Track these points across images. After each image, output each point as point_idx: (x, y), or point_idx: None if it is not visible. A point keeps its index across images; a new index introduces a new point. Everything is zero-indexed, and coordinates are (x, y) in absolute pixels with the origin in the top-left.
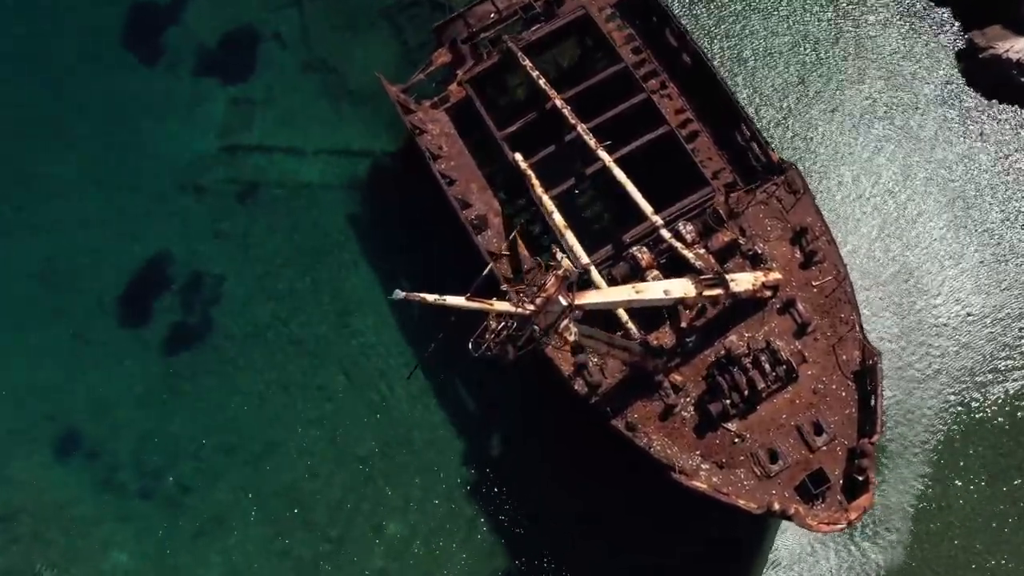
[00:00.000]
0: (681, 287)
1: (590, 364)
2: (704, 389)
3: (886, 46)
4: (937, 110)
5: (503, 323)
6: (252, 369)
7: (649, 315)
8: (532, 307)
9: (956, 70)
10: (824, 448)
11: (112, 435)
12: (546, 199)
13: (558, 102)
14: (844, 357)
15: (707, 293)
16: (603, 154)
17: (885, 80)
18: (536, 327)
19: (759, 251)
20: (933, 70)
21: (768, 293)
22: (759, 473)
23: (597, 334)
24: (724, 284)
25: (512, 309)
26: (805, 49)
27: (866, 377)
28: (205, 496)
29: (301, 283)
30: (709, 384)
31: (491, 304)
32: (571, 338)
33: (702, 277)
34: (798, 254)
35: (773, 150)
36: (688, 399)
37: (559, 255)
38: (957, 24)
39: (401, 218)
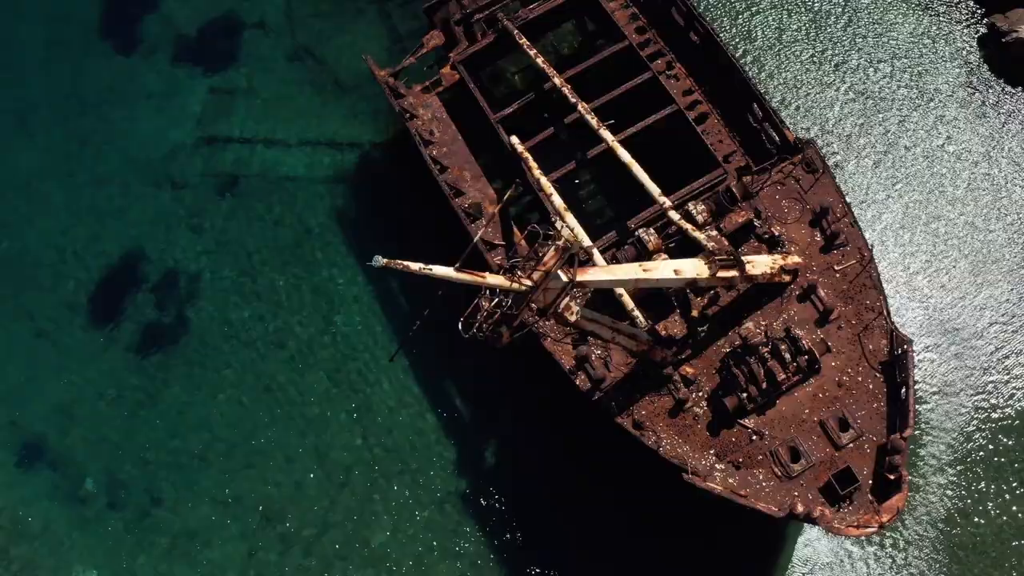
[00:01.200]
0: (693, 267)
1: (592, 357)
2: (718, 383)
3: (904, 29)
4: (958, 95)
5: (496, 301)
6: (229, 372)
7: (657, 303)
8: (529, 282)
9: (977, 54)
10: (851, 445)
11: (79, 442)
12: (544, 180)
13: (557, 81)
14: (871, 347)
15: (721, 274)
16: (606, 133)
17: (903, 65)
18: (533, 305)
19: (776, 233)
20: (953, 55)
21: (787, 278)
22: (780, 473)
23: (600, 318)
24: (740, 265)
25: (506, 283)
26: (819, 32)
27: (895, 367)
28: (178, 508)
29: (282, 280)
30: (723, 377)
31: (483, 277)
32: (572, 318)
33: (716, 257)
34: (818, 237)
35: (789, 129)
36: (700, 394)
37: (559, 225)
38: (978, 8)
39: (390, 212)
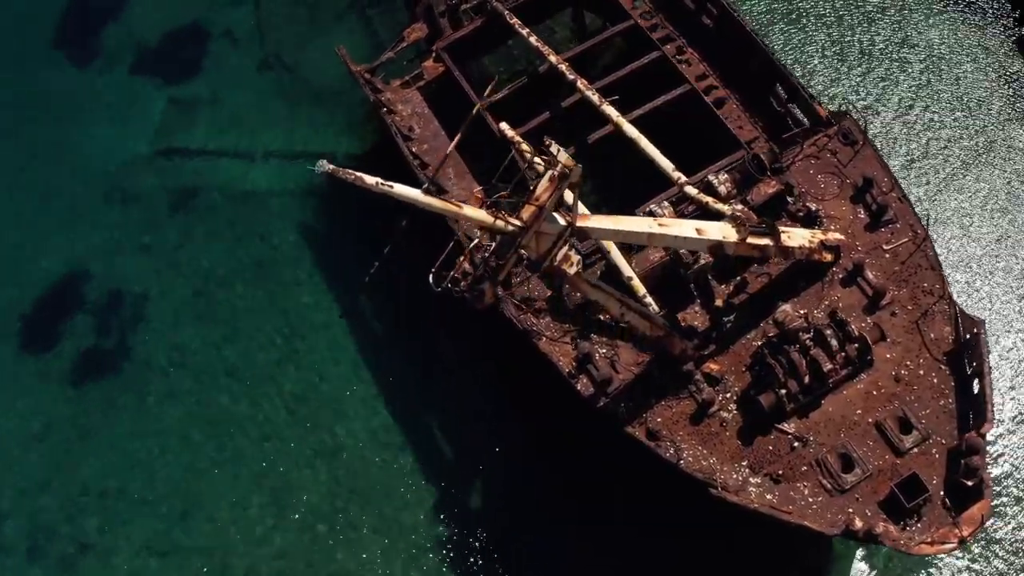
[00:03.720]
0: (719, 229)
1: (596, 356)
2: (749, 382)
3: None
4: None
5: (474, 243)
6: (175, 403)
7: (673, 293)
8: (518, 222)
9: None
10: (915, 450)
11: None
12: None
13: (553, 58)
14: (932, 335)
15: (752, 240)
16: (609, 109)
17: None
18: (523, 254)
19: (812, 208)
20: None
21: (828, 256)
22: (829, 486)
23: (607, 287)
24: (774, 232)
25: (488, 219)
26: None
27: (965, 356)
28: (108, 558)
29: (241, 302)
30: (756, 374)
31: (459, 207)
32: (572, 269)
33: (746, 222)
34: (862, 213)
35: (821, 104)
36: (728, 395)
37: (554, 147)
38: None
39: (366, 229)
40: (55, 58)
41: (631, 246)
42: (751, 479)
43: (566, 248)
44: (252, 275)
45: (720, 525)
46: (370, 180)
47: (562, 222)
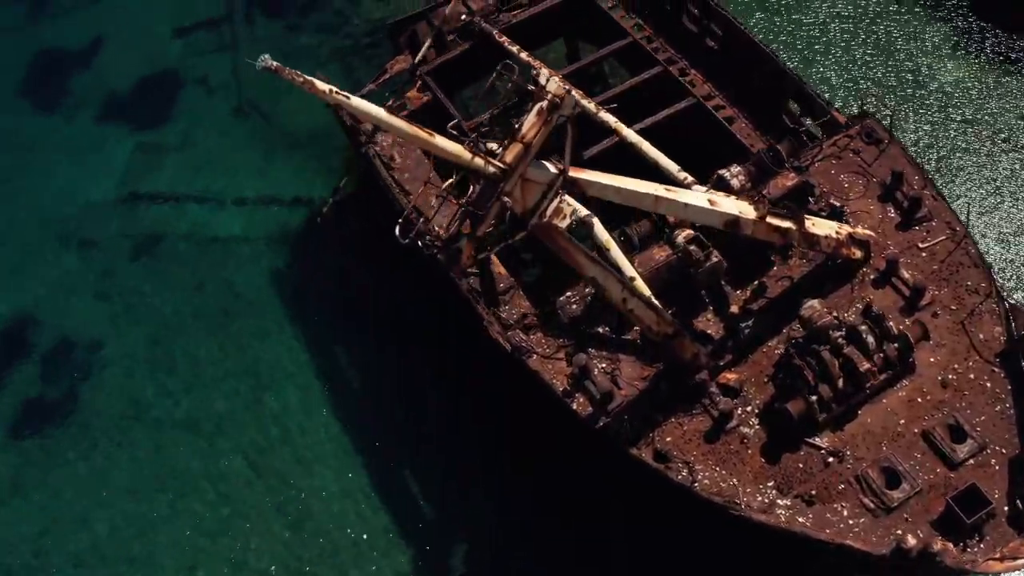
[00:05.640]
0: (734, 204)
1: (595, 371)
2: (772, 394)
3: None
4: None
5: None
6: (125, 457)
7: (682, 299)
8: (501, 164)
9: None
10: (971, 461)
11: None
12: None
13: (545, 71)
14: (981, 336)
15: (772, 221)
16: (607, 116)
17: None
18: (507, 202)
19: (837, 205)
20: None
21: (858, 253)
22: (873, 505)
23: (608, 266)
24: (798, 217)
25: (465, 154)
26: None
27: (1021, 357)
28: None
29: (202, 352)
30: (781, 383)
31: (430, 135)
32: (564, 223)
33: (767, 204)
34: (892, 212)
35: (838, 111)
36: (749, 408)
37: (543, 75)
38: None
39: (340, 277)
40: (20, 105)
41: (632, 247)
42: (779, 501)
43: (558, 200)
44: (216, 323)
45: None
46: (322, 86)
47: (553, 169)
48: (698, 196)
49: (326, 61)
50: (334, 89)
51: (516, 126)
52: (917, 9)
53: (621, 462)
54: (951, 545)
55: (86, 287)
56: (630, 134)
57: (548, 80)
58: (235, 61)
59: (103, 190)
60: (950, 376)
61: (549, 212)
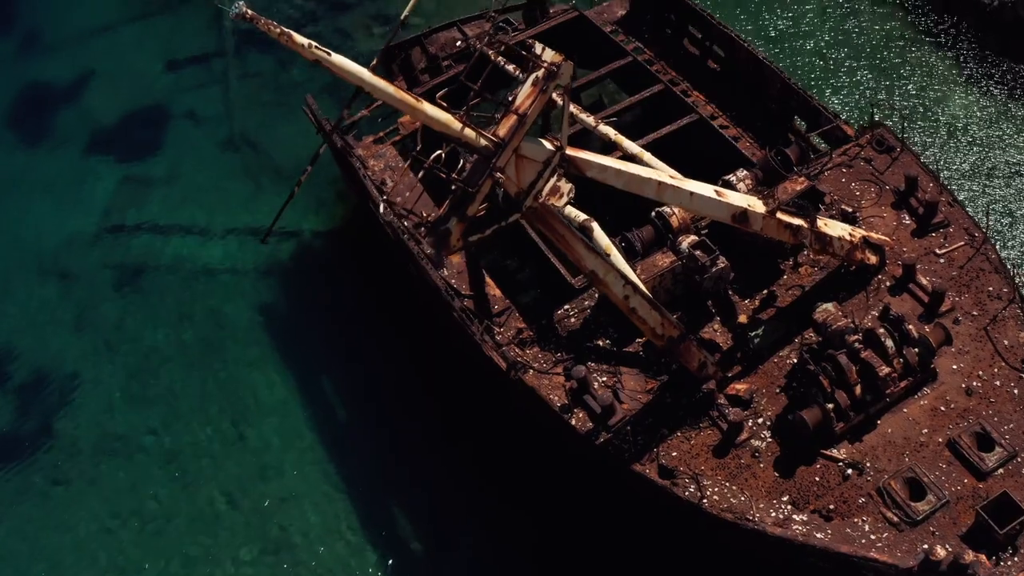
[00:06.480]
0: (743, 197)
1: (595, 385)
2: (785, 405)
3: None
4: None
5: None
6: (99, 492)
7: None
8: (494, 139)
9: None
10: (1001, 470)
11: None
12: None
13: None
14: (1005, 342)
15: (783, 218)
16: (606, 129)
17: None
18: (499, 177)
19: (849, 211)
20: None
21: (873, 258)
22: (897, 519)
23: (610, 261)
24: (810, 215)
25: (455, 124)
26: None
27: None
28: None
29: (183, 385)
30: (795, 392)
31: (416, 100)
32: (562, 202)
33: (777, 201)
34: (907, 219)
35: (847, 123)
36: (760, 420)
37: (538, 48)
38: None
39: (325, 309)
40: (4, 138)
41: (634, 253)
42: (795, 516)
43: (555, 179)
44: (198, 356)
45: None
46: (300, 40)
47: (549, 147)
48: (705, 186)
49: (318, 93)
50: (313, 44)
51: (510, 98)
52: (922, 36)
53: (623, 481)
54: (984, 557)
55: (65, 319)
56: (631, 146)
57: (543, 50)
58: (225, 94)
59: (86, 222)
60: (975, 383)
61: (545, 192)
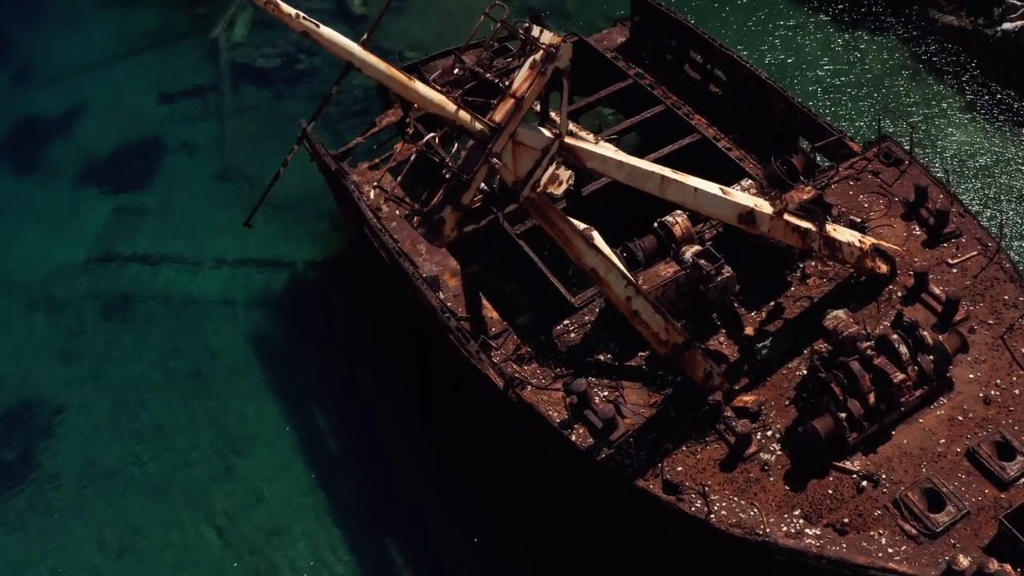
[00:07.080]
0: (749, 198)
1: (595, 400)
2: (795, 417)
3: None
4: None
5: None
6: (82, 524)
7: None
8: (490, 123)
9: None
10: (1023, 480)
11: None
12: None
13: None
14: (1023, 350)
15: (791, 220)
16: (606, 145)
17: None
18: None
19: (858, 221)
20: None
21: (884, 267)
22: (916, 531)
23: (614, 260)
24: (819, 218)
25: (449, 105)
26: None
27: None
28: None
29: (171, 415)
30: (806, 403)
31: (409, 79)
32: (560, 190)
33: (784, 203)
34: (918, 230)
35: (853, 140)
36: (769, 433)
37: (536, 30)
38: None
39: (318, 340)
40: None
41: (636, 263)
42: (807, 531)
43: (553, 167)
44: (187, 386)
45: None
46: (288, 9)
47: (548, 134)
48: (706, 183)
49: (312, 127)
50: (301, 14)
51: (507, 81)
52: (924, 67)
53: (626, 500)
54: (1008, 567)
55: (51, 348)
56: (629, 160)
57: (541, 32)
58: (220, 127)
59: (76, 252)
60: (993, 392)
61: (543, 181)
